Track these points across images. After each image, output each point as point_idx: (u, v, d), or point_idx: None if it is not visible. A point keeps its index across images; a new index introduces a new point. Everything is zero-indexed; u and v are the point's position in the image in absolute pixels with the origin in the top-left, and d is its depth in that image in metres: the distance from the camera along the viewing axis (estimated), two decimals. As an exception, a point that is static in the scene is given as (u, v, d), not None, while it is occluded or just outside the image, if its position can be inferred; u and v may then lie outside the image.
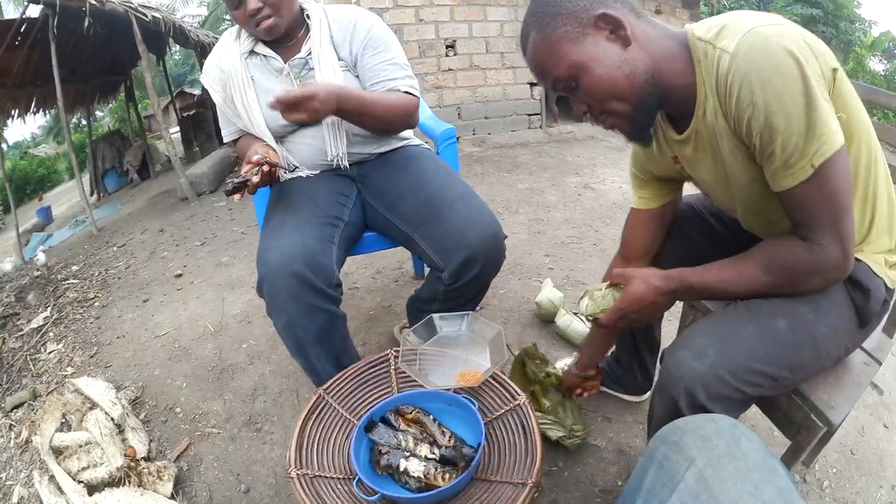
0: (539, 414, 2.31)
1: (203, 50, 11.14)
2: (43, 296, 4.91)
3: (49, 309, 4.51)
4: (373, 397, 1.91)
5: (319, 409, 1.82)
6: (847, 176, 1.35)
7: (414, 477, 1.57)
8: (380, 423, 1.74)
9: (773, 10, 15.90)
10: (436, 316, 2.07)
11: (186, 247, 5.68)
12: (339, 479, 1.64)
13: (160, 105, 8.91)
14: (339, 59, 2.33)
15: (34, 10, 7.54)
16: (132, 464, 2.36)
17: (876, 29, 26.70)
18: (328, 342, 2.09)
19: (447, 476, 1.56)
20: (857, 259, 1.56)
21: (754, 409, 1.73)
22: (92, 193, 13.45)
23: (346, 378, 1.92)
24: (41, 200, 17.07)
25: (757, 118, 1.29)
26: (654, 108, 1.51)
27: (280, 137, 2.41)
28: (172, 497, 2.27)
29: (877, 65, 27.25)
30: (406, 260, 4.15)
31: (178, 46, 13.99)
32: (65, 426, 2.61)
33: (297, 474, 1.57)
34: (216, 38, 6.86)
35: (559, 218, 5.36)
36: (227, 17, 22.89)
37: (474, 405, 1.72)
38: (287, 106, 1.88)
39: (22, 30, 7.94)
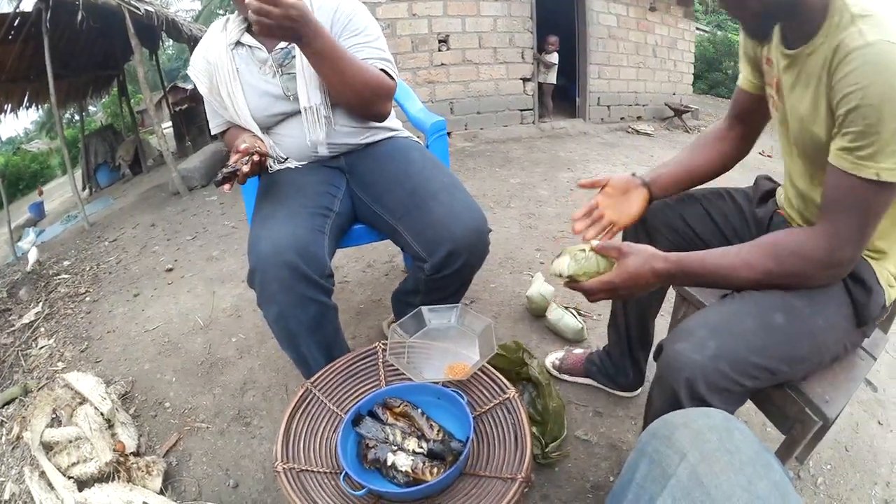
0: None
1: (196, 44, 11.08)
2: (34, 291, 4.92)
3: (40, 304, 4.51)
4: (361, 390, 1.89)
5: (307, 402, 1.79)
6: (891, 203, 1.40)
7: (402, 471, 1.55)
8: (367, 417, 1.71)
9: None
10: (424, 308, 2.04)
11: (177, 241, 5.68)
12: (326, 473, 1.62)
13: (152, 100, 8.87)
14: None
15: (28, 4, 7.56)
16: (121, 459, 2.34)
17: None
18: (320, 333, 2.07)
19: (435, 470, 1.53)
20: (864, 259, 1.60)
21: (747, 404, 1.70)
22: (84, 188, 13.41)
23: (333, 371, 1.90)
24: (41, 195, 16.97)
25: (851, 99, 1.32)
26: (779, 20, 1.54)
27: (266, 128, 2.40)
28: (162, 492, 2.25)
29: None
30: (397, 254, 4.14)
31: (171, 41, 13.95)
32: (55, 421, 2.59)
33: (284, 468, 1.55)
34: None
35: (551, 213, 5.39)
36: (221, 11, 22.85)
37: (463, 399, 1.70)
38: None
39: (15, 24, 7.90)
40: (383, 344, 1.96)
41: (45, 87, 8.37)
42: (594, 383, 2.65)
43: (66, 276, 5.25)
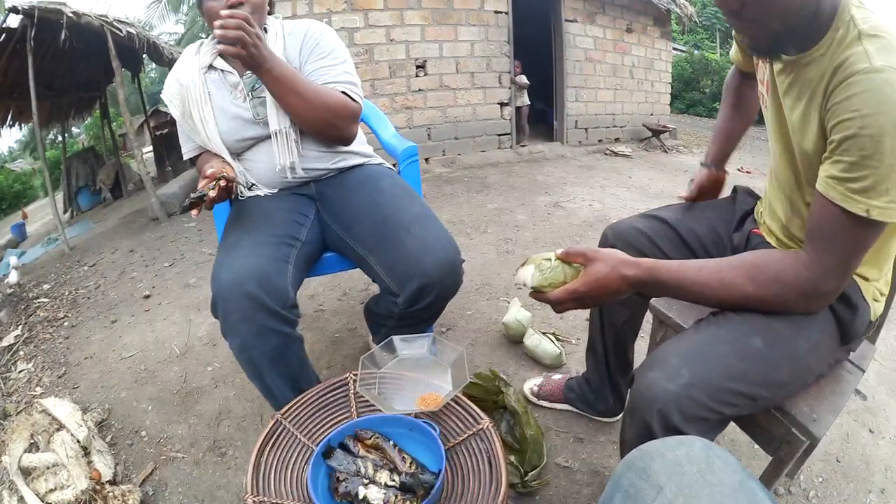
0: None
1: (177, 68, 11.17)
2: (14, 314, 4.90)
3: (20, 327, 4.49)
4: (332, 422, 1.86)
5: (277, 434, 1.76)
6: (877, 238, 1.37)
7: (373, 505, 1.53)
8: (338, 449, 1.68)
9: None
10: (396, 338, 2.02)
11: (155, 267, 5.65)
12: (296, 507, 1.60)
13: (133, 124, 8.86)
14: None
15: (13, 21, 7.53)
16: (97, 487, 2.32)
17: None
18: (283, 365, 2.05)
19: (407, 504, 1.51)
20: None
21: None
22: (65, 211, 13.33)
23: (304, 402, 1.87)
24: (25, 218, 16.88)
25: (849, 126, 1.26)
26: (795, 39, 1.44)
27: (236, 154, 2.39)
28: (137, 522, 2.21)
29: None
30: (372, 282, 4.04)
31: (154, 64, 13.95)
32: (34, 447, 2.56)
33: (254, 501, 1.52)
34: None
35: (528, 237, 5.42)
36: (203, 34, 22.91)
37: (435, 430, 1.68)
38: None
39: (0, 39, 7.89)
40: (354, 375, 1.93)
41: (28, 106, 8.32)
42: (574, 409, 2.62)
43: (45, 300, 5.22)
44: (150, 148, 16.67)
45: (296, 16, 8.39)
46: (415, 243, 2.12)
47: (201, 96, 2.30)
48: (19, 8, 6.98)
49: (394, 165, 2.79)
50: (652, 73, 13.92)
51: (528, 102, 11.80)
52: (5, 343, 4.18)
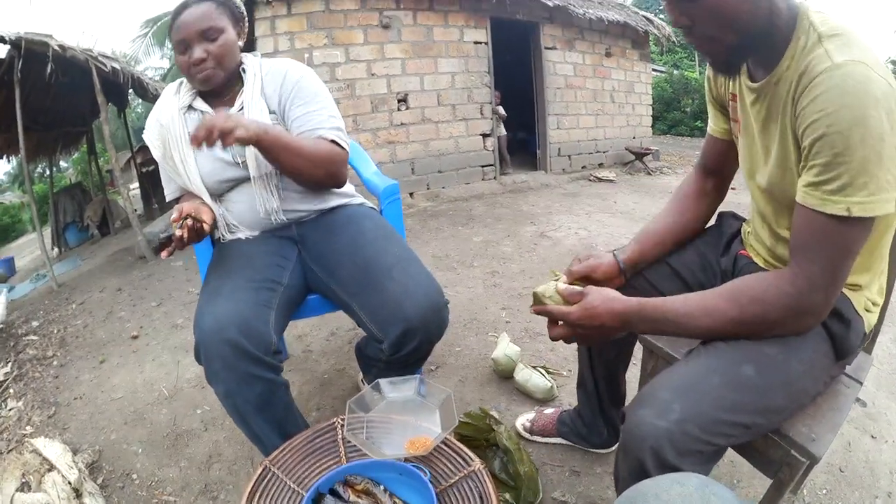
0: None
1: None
2: (3, 351, 4.87)
3: (9, 365, 4.47)
4: (321, 467, 1.84)
5: (266, 480, 1.75)
6: (866, 238, 1.34)
7: (364, 552, 1.50)
8: (328, 496, 1.67)
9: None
10: (383, 381, 2.02)
11: (143, 307, 5.61)
12: (286, 557, 1.57)
13: (118, 160, 8.86)
14: (271, 113, 2.33)
15: (1, 51, 7.55)
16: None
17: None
18: (269, 411, 2.05)
19: (399, 550, 1.49)
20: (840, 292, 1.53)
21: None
22: (53, 247, 13.30)
23: (292, 448, 1.86)
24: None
25: (817, 128, 1.27)
26: (753, 51, 1.47)
27: (217, 196, 2.39)
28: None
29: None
30: (357, 326, 4.06)
31: (140, 100, 13.94)
32: (25, 486, 2.53)
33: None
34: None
35: (515, 269, 5.43)
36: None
37: (426, 474, 1.66)
38: (205, 138, 1.86)
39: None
40: (341, 419, 1.92)
41: (15, 139, 8.31)
42: (568, 442, 2.59)
43: (34, 338, 5.18)
44: (137, 184, 16.66)
45: (277, 51, 8.52)
46: (396, 288, 2.12)
47: (181, 137, 2.31)
48: (6, 38, 6.98)
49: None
50: (633, 95, 14.04)
51: (505, 132, 11.88)
52: (-5, 379, 4.16)
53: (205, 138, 1.85)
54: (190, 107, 2.36)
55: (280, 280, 2.27)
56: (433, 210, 8.75)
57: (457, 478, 1.71)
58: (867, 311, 1.60)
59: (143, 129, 2.46)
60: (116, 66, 8.12)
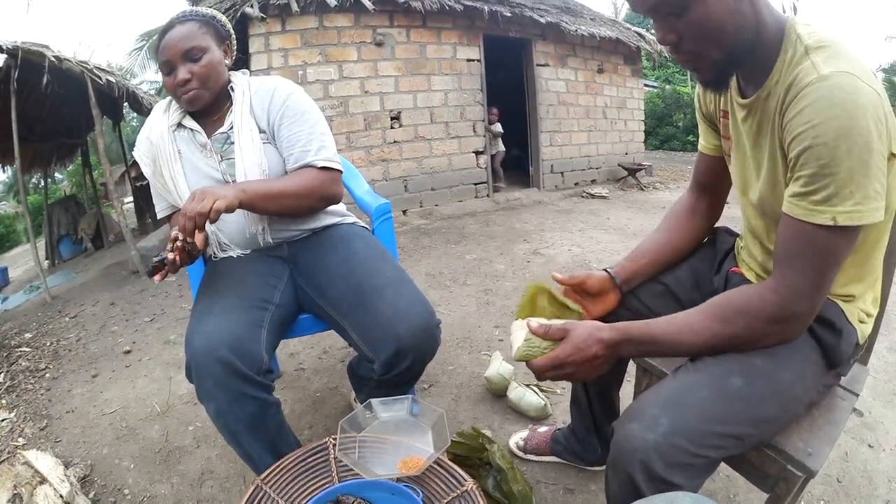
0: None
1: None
2: None
3: (2, 375, 4.47)
4: (313, 487, 1.85)
5: (258, 499, 1.75)
6: (851, 248, 1.34)
7: (356, 573, 1.50)
8: (320, 516, 1.66)
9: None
10: (375, 401, 2.03)
11: (136, 322, 5.60)
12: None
13: (112, 174, 8.84)
14: (261, 132, 2.33)
15: None
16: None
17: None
18: (261, 430, 2.04)
19: (390, 570, 1.48)
20: (832, 301, 1.54)
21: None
22: (47, 259, 13.25)
23: (284, 467, 1.86)
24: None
25: (803, 139, 1.27)
26: (740, 66, 1.48)
27: None
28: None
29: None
30: (349, 346, 4.05)
31: (135, 114, 13.93)
32: (17, 497, 2.52)
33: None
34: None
35: (508, 287, 5.44)
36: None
37: (418, 494, 1.66)
38: (192, 230, 1.89)
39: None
40: (334, 439, 1.92)
41: (10, 149, 8.27)
42: (562, 461, 2.58)
43: (27, 350, 5.18)
44: (131, 198, 16.59)
45: (271, 68, 8.54)
46: (388, 309, 2.12)
47: (171, 154, 2.32)
48: (3, 47, 7.00)
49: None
50: (625, 111, 14.10)
51: (503, 149, 11.93)
52: (-13, 390, 4.16)
53: (192, 231, 1.88)
54: (179, 124, 2.37)
55: (271, 299, 2.27)
56: (426, 228, 8.76)
57: (449, 498, 1.71)
58: (861, 322, 1.60)
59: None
60: (112, 79, 8.12)
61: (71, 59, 7.47)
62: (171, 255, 1.92)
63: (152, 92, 15.19)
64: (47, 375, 4.45)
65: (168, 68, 2.21)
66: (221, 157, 2.32)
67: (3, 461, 2.96)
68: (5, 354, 5.04)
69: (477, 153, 10.63)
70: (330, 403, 3.39)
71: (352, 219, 2.66)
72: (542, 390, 3.17)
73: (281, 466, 1.84)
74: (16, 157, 7.91)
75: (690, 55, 1.43)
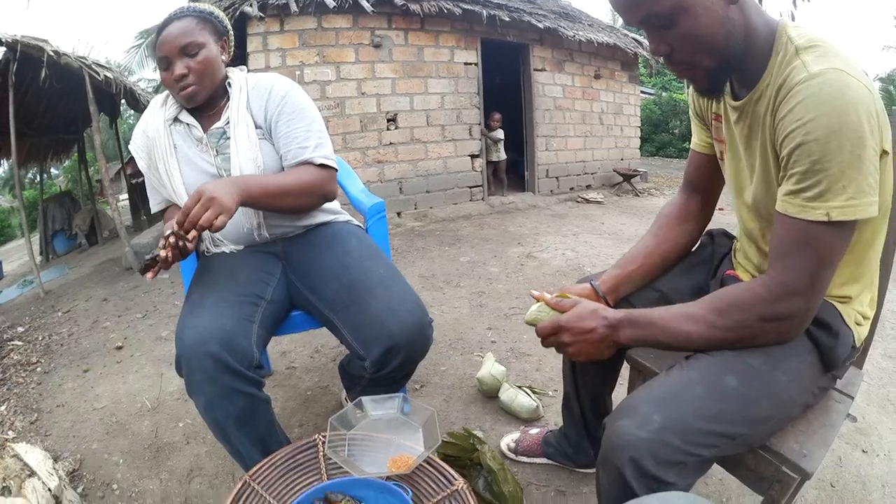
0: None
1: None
2: None
3: None
4: (301, 484, 1.85)
5: (245, 496, 1.74)
6: (846, 245, 1.35)
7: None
8: (308, 513, 1.65)
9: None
10: (365, 399, 2.03)
11: (128, 318, 5.60)
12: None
13: (108, 170, 8.81)
14: (257, 128, 2.33)
15: None
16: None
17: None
18: (251, 426, 2.03)
19: (377, 569, 1.47)
20: (829, 302, 1.54)
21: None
22: (41, 254, 13.22)
23: (273, 464, 1.86)
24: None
25: (794, 137, 1.28)
26: (733, 71, 1.49)
27: None
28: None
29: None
30: (341, 343, 4.05)
31: (132, 111, 13.91)
32: (6, 490, 2.51)
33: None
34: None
35: (501, 289, 5.44)
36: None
37: (408, 493, 1.65)
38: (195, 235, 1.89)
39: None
40: (323, 436, 1.91)
41: (7, 143, 8.28)
42: (554, 462, 2.57)
43: (19, 343, 5.18)
44: (126, 195, 16.56)
45: (269, 67, 8.53)
46: (380, 306, 2.12)
47: (167, 149, 2.32)
48: (2, 40, 6.99)
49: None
50: (621, 117, 14.08)
51: (505, 157, 11.94)
52: (-22, 383, 4.15)
53: (188, 230, 1.87)
54: (176, 119, 2.37)
55: (263, 295, 2.27)
56: (420, 230, 8.76)
57: (439, 497, 1.71)
58: (857, 324, 1.60)
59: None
60: (109, 75, 8.10)
61: (70, 54, 7.44)
62: (163, 253, 1.90)
63: (150, 89, 15.13)
64: (38, 369, 4.44)
65: (165, 63, 2.21)
66: (217, 151, 2.32)
67: (-8, 453, 2.96)
68: (-3, 347, 5.02)
69: (472, 157, 10.61)
70: (321, 402, 3.39)
71: (346, 217, 2.66)
72: (534, 392, 3.18)
73: (269, 463, 1.84)
74: (12, 151, 7.86)
75: (683, 65, 1.46)
